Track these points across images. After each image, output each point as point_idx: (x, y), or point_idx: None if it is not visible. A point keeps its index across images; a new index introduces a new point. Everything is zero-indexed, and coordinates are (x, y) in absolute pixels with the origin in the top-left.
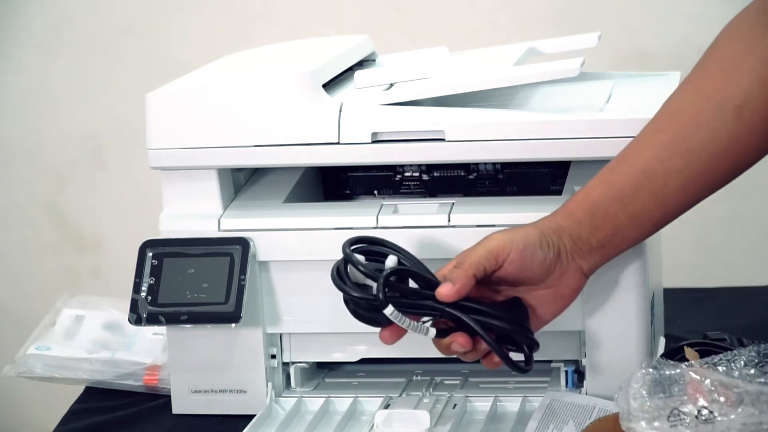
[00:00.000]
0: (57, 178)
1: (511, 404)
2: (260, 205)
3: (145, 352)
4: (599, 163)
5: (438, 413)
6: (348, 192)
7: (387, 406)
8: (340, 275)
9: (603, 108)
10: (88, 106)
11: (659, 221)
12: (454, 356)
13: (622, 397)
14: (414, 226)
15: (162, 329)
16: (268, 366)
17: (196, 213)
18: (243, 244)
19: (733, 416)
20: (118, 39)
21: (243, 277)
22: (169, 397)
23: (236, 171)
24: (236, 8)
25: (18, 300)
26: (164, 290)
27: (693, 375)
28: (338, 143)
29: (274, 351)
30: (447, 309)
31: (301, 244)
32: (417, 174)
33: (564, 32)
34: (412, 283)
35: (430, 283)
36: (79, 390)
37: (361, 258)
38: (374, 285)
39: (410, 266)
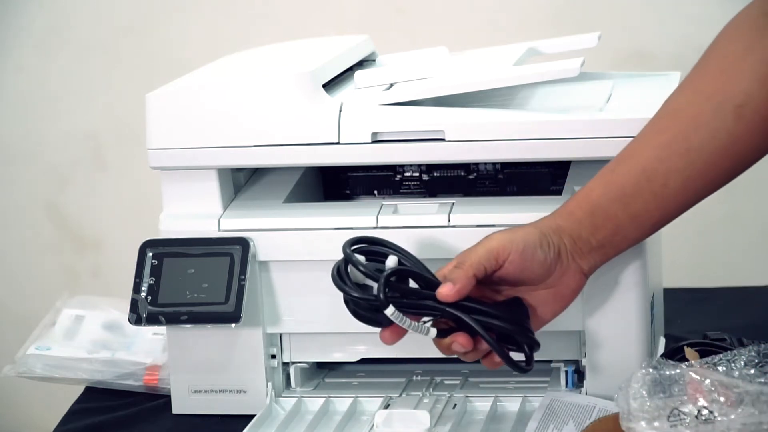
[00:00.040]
0: (57, 178)
1: (511, 404)
2: (260, 205)
3: (145, 352)
4: (599, 163)
5: (438, 413)
6: (348, 192)
7: (387, 406)
8: (340, 275)
9: (603, 108)
10: (88, 106)
11: (659, 221)
12: (455, 356)
13: (622, 397)
14: (414, 226)
15: (162, 329)
16: (268, 366)
17: (196, 213)
18: (243, 244)
19: (733, 416)
20: (118, 39)
21: (243, 277)
22: (169, 397)
23: (236, 171)
24: (236, 8)
25: (18, 300)
26: (164, 290)
27: (693, 375)
28: (338, 143)
29: (274, 351)
30: (447, 309)
31: (301, 244)
32: (417, 174)
33: (564, 32)
34: (412, 284)
35: (430, 283)
36: (79, 390)
37: (361, 258)
38: (374, 285)
39: (410, 266)
